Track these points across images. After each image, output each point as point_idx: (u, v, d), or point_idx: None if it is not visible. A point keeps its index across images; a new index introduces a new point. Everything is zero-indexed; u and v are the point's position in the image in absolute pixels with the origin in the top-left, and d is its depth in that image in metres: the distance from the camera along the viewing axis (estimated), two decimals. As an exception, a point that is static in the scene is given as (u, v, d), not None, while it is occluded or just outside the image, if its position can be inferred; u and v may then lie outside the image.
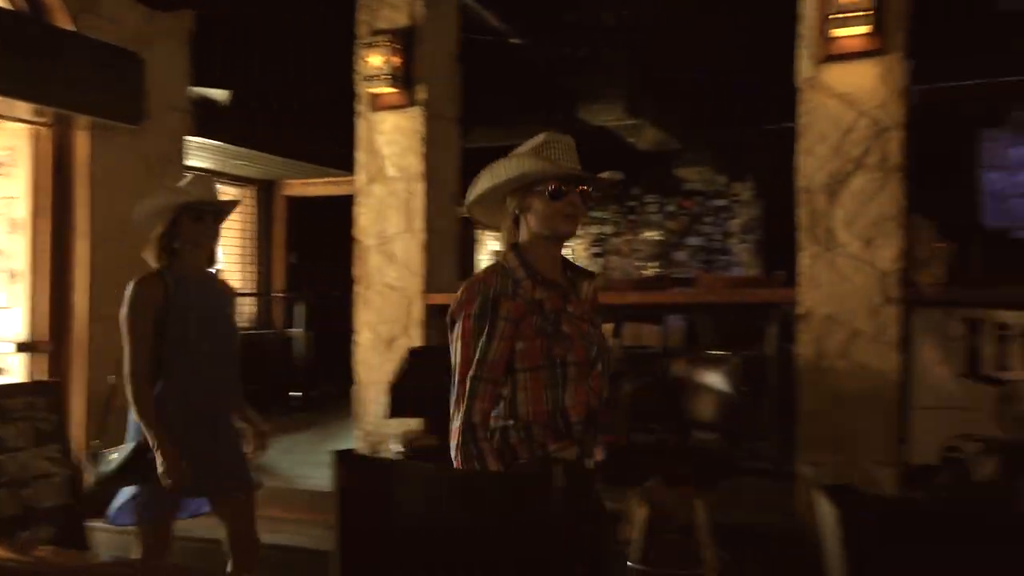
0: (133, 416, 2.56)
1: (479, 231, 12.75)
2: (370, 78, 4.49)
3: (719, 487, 3.14)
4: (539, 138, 1.88)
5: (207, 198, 2.67)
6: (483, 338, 1.78)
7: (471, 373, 1.78)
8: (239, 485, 2.70)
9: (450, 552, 1.30)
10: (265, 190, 8.60)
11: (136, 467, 2.50)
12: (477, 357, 1.77)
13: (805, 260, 3.65)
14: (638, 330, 6.27)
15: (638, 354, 5.57)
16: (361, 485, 1.40)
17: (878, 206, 3.50)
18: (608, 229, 12.58)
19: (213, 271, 2.85)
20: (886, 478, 3.52)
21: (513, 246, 1.90)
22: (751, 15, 6.49)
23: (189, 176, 2.76)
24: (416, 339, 4.46)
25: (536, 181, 1.82)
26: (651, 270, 11.85)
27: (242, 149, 6.92)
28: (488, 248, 12.47)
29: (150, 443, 2.46)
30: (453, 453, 1.77)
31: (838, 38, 3.48)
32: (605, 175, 1.89)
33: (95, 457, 2.59)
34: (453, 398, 1.80)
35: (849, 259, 3.56)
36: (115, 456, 2.55)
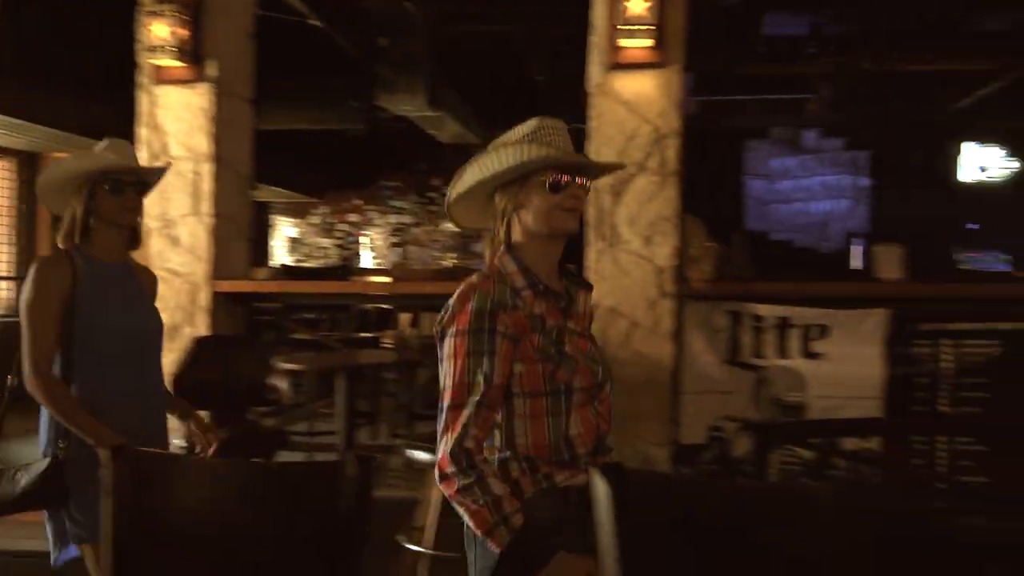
0: (45, 422, 2.18)
1: (274, 216, 12.27)
2: (153, 49, 4.18)
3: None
4: (530, 124, 1.66)
5: (128, 165, 2.28)
6: (481, 358, 1.53)
7: (468, 397, 1.52)
8: None
9: (232, 546, 1.26)
10: (28, 163, 7.78)
11: (54, 487, 2.11)
12: (472, 379, 1.53)
13: (592, 255, 3.87)
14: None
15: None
16: (138, 480, 1.32)
17: (657, 207, 3.78)
18: (408, 219, 12.57)
19: (132, 257, 2.42)
20: (661, 457, 3.82)
21: (507, 247, 1.66)
22: (548, 22, 6.73)
23: (104, 141, 2.33)
24: (202, 328, 4.23)
25: (531, 172, 1.61)
26: (450, 261, 12.00)
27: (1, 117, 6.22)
28: (283, 234, 12.06)
29: (87, 441, 2.08)
30: (442, 484, 1.53)
31: (624, 48, 3.71)
32: (609, 162, 1.74)
33: None
34: (441, 425, 1.56)
35: (630, 255, 3.81)
36: (21, 475, 2.15)
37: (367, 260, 12.18)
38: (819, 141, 13.68)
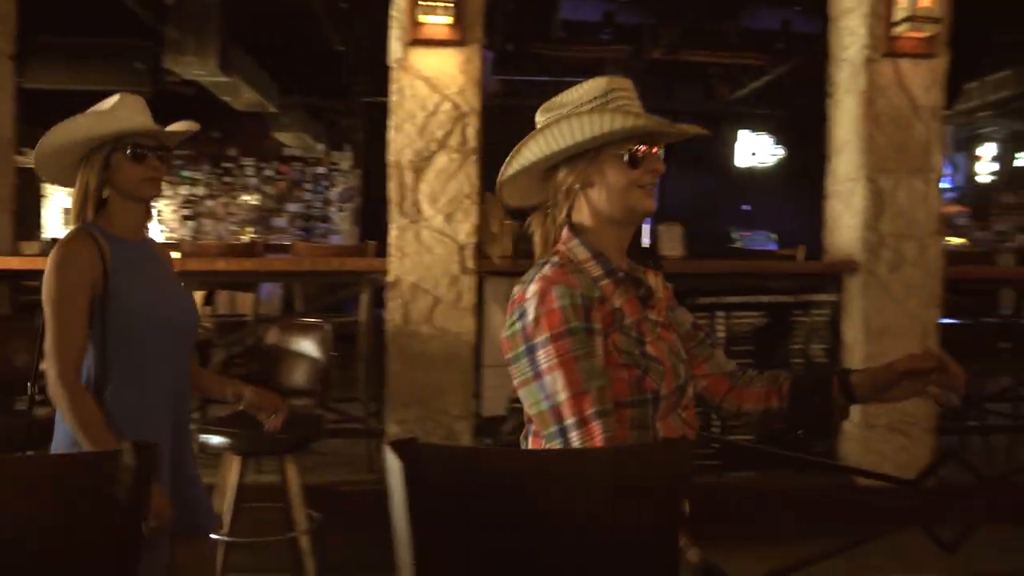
0: (63, 436, 1.83)
1: (46, 185, 11.14)
2: None
3: (310, 450, 3.22)
4: (597, 85, 1.41)
5: (152, 127, 1.91)
6: (589, 361, 1.29)
7: (592, 410, 1.27)
8: (206, 521, 2.08)
9: (6, 541, 1.17)
10: None
11: None
12: (588, 388, 1.28)
13: (394, 231, 3.86)
14: (232, 298, 6.09)
15: (232, 322, 5.41)
16: None
17: (457, 184, 3.84)
18: (201, 191, 11.88)
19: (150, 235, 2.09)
20: (463, 430, 3.91)
21: (571, 229, 1.44)
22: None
23: (115, 97, 1.94)
24: (-42, 310, 3.79)
25: (605, 144, 1.39)
26: (247, 235, 11.48)
27: None
28: (56, 205, 10.97)
29: None
30: None
31: (424, 24, 3.70)
32: (686, 127, 1.45)
33: None
34: (573, 444, 1.28)
35: (432, 232, 3.85)
36: None
37: (155, 234, 11.40)
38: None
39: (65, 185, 2.00)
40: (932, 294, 4.02)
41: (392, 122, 3.83)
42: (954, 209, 14.63)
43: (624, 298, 1.40)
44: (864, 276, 4.00)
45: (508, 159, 1.43)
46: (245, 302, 5.86)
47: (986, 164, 16.01)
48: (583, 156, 1.40)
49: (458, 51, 3.80)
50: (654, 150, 1.41)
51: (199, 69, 7.08)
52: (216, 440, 2.62)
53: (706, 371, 1.57)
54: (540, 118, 1.44)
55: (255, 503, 2.87)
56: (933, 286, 4.02)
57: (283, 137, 10.57)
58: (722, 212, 12.58)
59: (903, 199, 3.98)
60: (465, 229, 3.86)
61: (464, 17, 3.73)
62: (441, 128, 3.82)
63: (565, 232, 1.43)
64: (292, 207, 11.74)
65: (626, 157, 1.39)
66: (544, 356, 1.29)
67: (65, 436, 1.84)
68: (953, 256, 4.80)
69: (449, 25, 3.70)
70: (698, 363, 1.56)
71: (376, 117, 5.34)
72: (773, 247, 11.35)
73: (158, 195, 1.99)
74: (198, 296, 4.97)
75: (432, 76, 3.80)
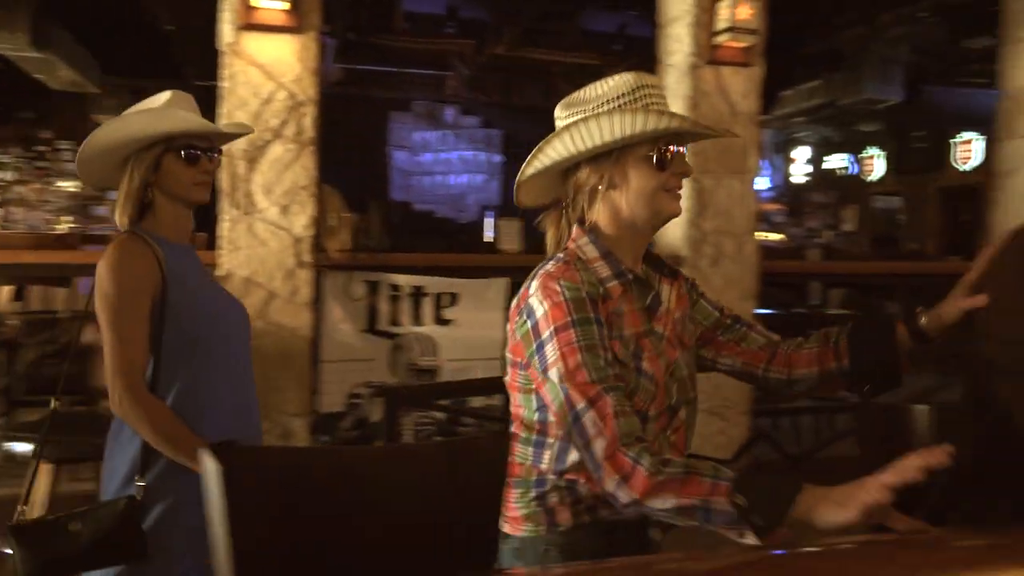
0: (122, 453, 1.71)
1: None
2: None
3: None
4: (624, 81, 1.34)
5: (208, 127, 1.80)
6: (596, 351, 1.23)
7: (600, 388, 1.20)
8: None
9: None
10: None
11: (134, 537, 1.60)
12: (596, 375, 1.21)
13: (226, 224, 3.70)
14: (47, 293, 5.63)
15: (44, 320, 5.00)
16: None
17: (293, 176, 3.73)
18: (9, 175, 10.89)
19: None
20: (300, 427, 3.81)
21: (583, 227, 1.37)
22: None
23: (166, 94, 1.81)
24: None
25: (634, 144, 1.31)
26: (64, 225, 10.64)
27: None
28: None
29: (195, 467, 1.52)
30: (627, 487, 1.13)
31: (258, 9, 3.57)
32: (716, 128, 1.41)
33: (37, 530, 1.62)
34: (583, 436, 1.19)
35: (267, 224, 3.72)
36: (78, 525, 1.61)
37: (-44, 222, 10.34)
38: (458, 117, 14.47)
39: (106, 187, 1.92)
40: (748, 287, 4.33)
41: (223, 109, 3.67)
42: (773, 207, 15.78)
43: (629, 306, 1.32)
44: (688, 270, 4.24)
45: (529, 158, 1.35)
46: (61, 297, 5.43)
47: (800, 166, 17.39)
48: (608, 156, 1.32)
49: (295, 38, 3.68)
50: (680, 150, 1.35)
51: (7, 43, 6.49)
52: (22, 447, 2.43)
53: (739, 350, 1.49)
54: (562, 114, 1.36)
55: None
56: (749, 279, 4.33)
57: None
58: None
59: (723, 198, 4.25)
60: (301, 222, 3.76)
61: (301, 3, 3.63)
62: (276, 117, 3.69)
63: (576, 229, 1.37)
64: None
65: (654, 158, 1.31)
66: (551, 350, 1.23)
67: (124, 463, 1.71)
68: (767, 251, 5.18)
69: (285, 11, 3.59)
70: (730, 346, 1.49)
71: (209, 102, 5.10)
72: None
73: (207, 199, 1.88)
74: (5, 291, 4.56)
75: (267, 63, 3.67)
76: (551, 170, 1.37)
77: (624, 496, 1.12)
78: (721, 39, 4.06)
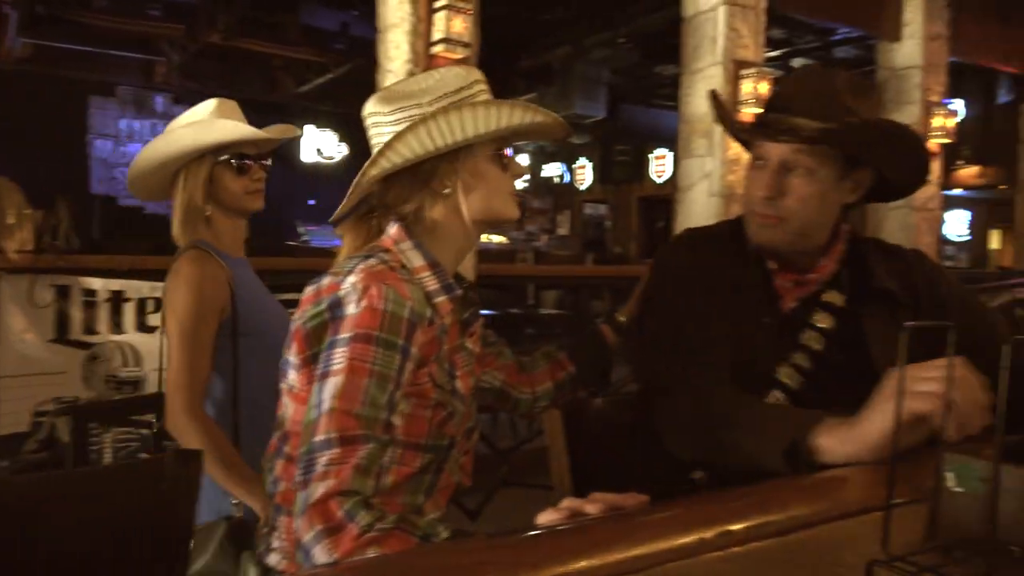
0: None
1: None
2: None
3: None
4: (460, 74, 1.19)
5: (254, 135, 1.75)
6: (386, 384, 1.04)
7: (363, 432, 1.00)
8: None
9: None
10: None
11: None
12: (371, 413, 1.01)
13: None
14: None
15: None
16: None
17: (-42, 166, 3.26)
18: None
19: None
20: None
21: (405, 229, 1.18)
22: None
23: (212, 102, 1.81)
24: None
25: (480, 143, 1.17)
26: None
27: None
28: None
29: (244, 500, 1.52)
30: (326, 541, 0.91)
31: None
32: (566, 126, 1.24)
33: None
34: (310, 471, 0.97)
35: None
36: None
37: None
38: (170, 106, 13.46)
39: (160, 200, 1.89)
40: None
41: None
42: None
43: (452, 319, 1.20)
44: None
45: (376, 156, 1.14)
46: None
47: (520, 172, 18.38)
48: (457, 154, 1.18)
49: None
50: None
51: None
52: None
53: (499, 365, 1.44)
54: (384, 109, 1.18)
55: None
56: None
57: None
58: (290, 207, 12.55)
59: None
60: (-31, 219, 3.29)
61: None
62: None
63: (396, 230, 1.18)
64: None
65: (503, 159, 1.22)
66: (340, 355, 1.03)
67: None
68: (484, 254, 5.43)
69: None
70: (491, 360, 1.43)
71: None
72: (339, 243, 11.61)
73: (262, 207, 1.85)
74: None
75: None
76: (397, 168, 1.17)
77: (321, 553, 0.91)
78: (437, 49, 4.19)
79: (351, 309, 1.05)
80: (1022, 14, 7.43)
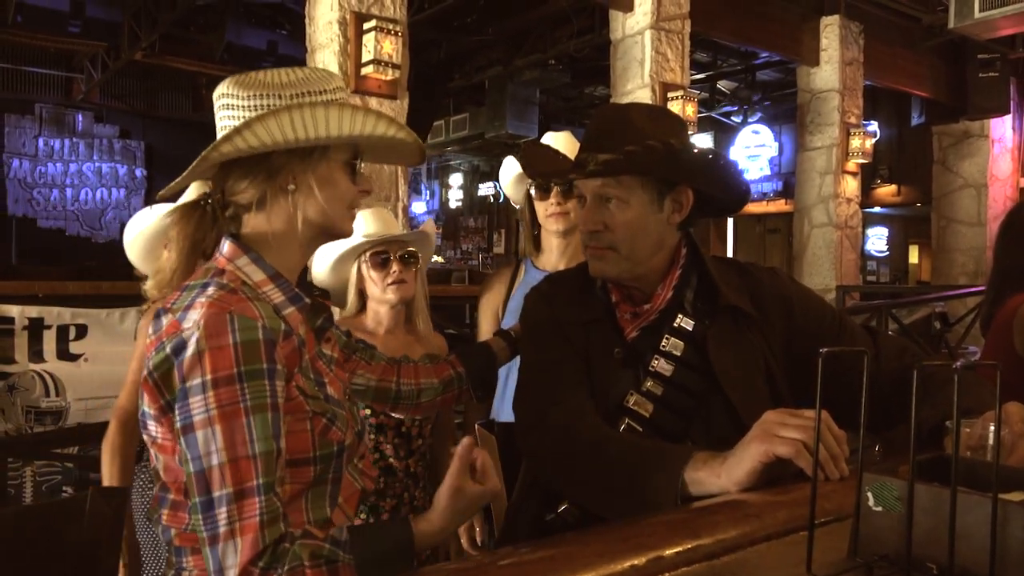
0: None
1: None
2: None
3: None
4: (325, 75, 1.14)
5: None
6: (264, 414, 0.98)
7: (256, 480, 0.96)
8: None
9: None
10: None
11: None
12: (257, 450, 0.97)
13: None
14: None
15: None
16: None
17: None
18: None
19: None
20: None
21: (238, 244, 1.11)
22: None
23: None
24: None
25: (335, 147, 1.13)
26: None
27: None
28: None
29: None
30: None
31: None
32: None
33: None
34: (212, 529, 0.94)
35: None
36: None
37: None
38: (91, 125, 13.06)
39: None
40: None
41: None
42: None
43: (306, 329, 1.16)
44: (342, 295, 4.29)
45: (228, 135, 1.07)
46: None
47: (455, 192, 18.43)
48: (310, 153, 1.12)
49: None
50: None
51: None
52: None
53: (371, 367, 1.45)
54: (240, 93, 1.11)
55: None
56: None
57: None
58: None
59: (374, 225, 4.37)
60: None
61: None
62: None
63: (229, 247, 1.11)
64: None
65: (354, 169, 1.17)
66: (199, 404, 0.97)
67: None
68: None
69: None
70: (364, 365, 1.45)
71: None
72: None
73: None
74: None
75: None
76: (242, 154, 1.10)
77: None
78: (367, 71, 4.18)
79: (194, 350, 0.99)
80: (926, 40, 7.82)
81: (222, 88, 1.14)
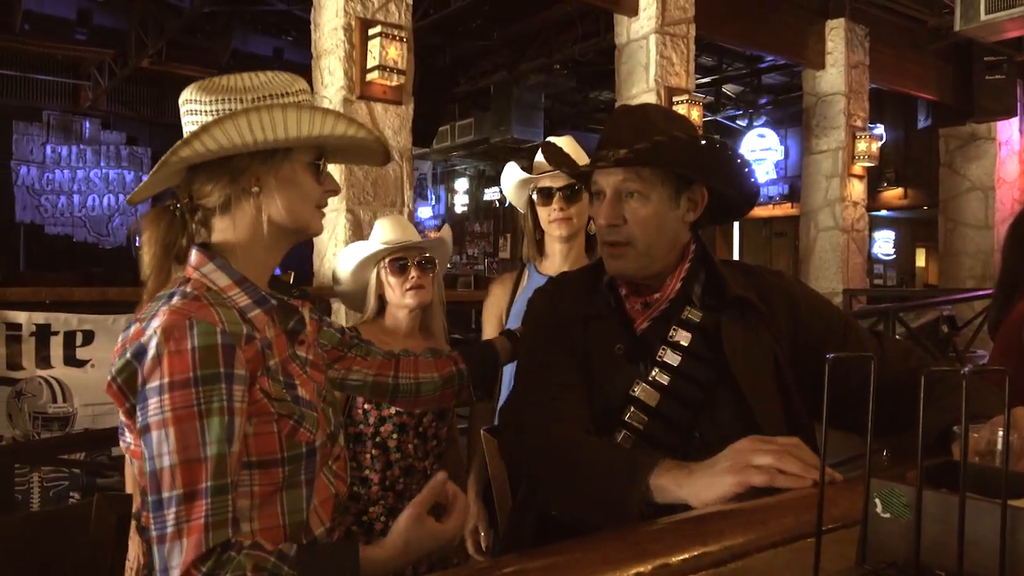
0: None
1: None
2: None
3: None
4: (287, 79, 1.16)
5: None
6: (218, 418, 1.01)
7: (206, 481, 0.99)
8: None
9: None
10: None
11: None
12: (208, 452, 1.00)
13: None
14: None
15: None
16: None
17: None
18: None
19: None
20: None
21: (204, 251, 1.13)
22: None
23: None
24: None
25: (298, 148, 1.16)
26: None
27: None
28: None
29: None
30: None
31: None
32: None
33: None
34: (161, 528, 0.98)
35: None
36: None
37: None
38: (99, 132, 13.12)
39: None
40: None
41: None
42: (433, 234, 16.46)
43: (276, 331, 1.17)
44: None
45: (189, 138, 1.09)
46: None
47: (461, 196, 18.45)
48: (273, 155, 1.14)
49: None
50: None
51: None
52: None
53: (368, 363, 1.48)
54: (204, 98, 1.13)
55: None
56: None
57: None
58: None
59: (379, 230, 4.37)
60: None
61: None
62: None
63: (195, 256, 1.14)
64: None
65: (319, 168, 1.20)
66: (155, 406, 1.01)
67: None
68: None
69: None
70: (359, 361, 1.48)
71: None
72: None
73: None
74: None
75: None
76: (203, 158, 1.13)
77: None
78: (372, 76, 4.19)
79: (153, 354, 1.02)
80: (932, 43, 7.80)
81: (186, 94, 1.16)
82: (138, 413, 1.02)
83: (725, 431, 1.21)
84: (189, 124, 1.14)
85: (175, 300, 1.07)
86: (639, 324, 1.36)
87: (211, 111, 1.12)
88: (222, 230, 1.16)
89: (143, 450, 1.01)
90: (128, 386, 1.04)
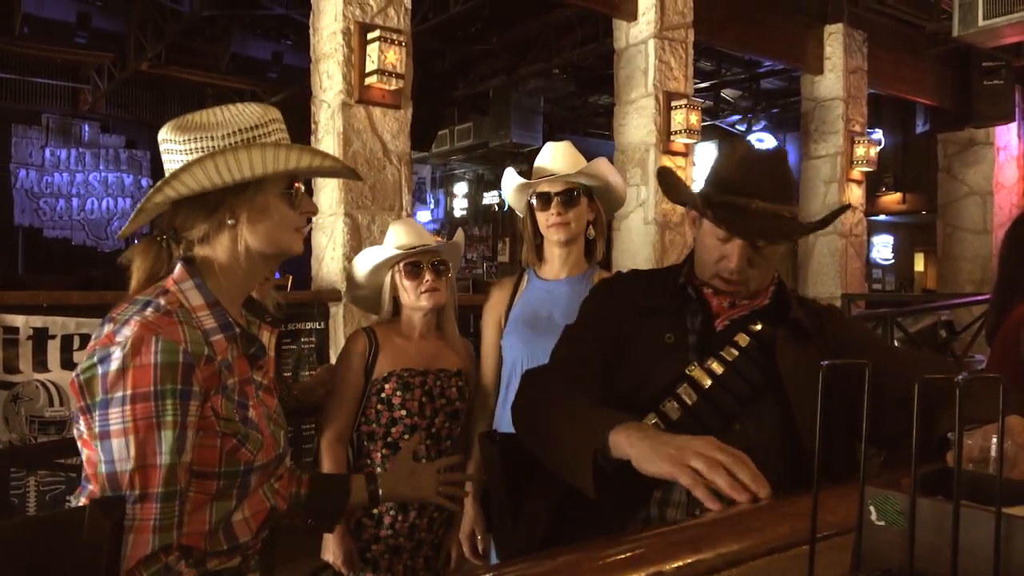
0: None
1: None
2: None
3: None
4: (255, 112, 1.24)
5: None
6: (171, 431, 1.12)
7: (159, 488, 1.11)
8: None
9: None
10: None
11: None
12: (162, 461, 1.11)
13: None
14: None
15: None
16: None
17: None
18: None
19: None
20: None
21: (187, 268, 1.23)
22: None
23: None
24: None
25: (270, 179, 1.24)
26: None
27: None
28: None
29: None
30: None
31: None
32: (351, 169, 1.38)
33: None
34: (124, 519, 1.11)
35: None
36: None
37: None
38: (98, 135, 13.12)
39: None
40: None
41: None
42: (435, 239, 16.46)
43: (237, 353, 1.25)
44: (347, 304, 4.28)
45: (160, 185, 1.18)
46: None
47: (460, 200, 18.45)
48: (245, 188, 1.22)
49: None
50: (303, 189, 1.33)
51: None
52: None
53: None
54: (178, 137, 1.22)
55: None
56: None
57: None
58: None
59: (377, 234, 4.36)
60: None
61: None
62: None
63: (179, 270, 1.23)
64: None
65: (292, 195, 1.27)
66: (117, 416, 1.10)
67: None
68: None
69: None
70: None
71: None
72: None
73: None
74: None
75: None
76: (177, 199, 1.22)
77: None
78: (371, 80, 4.19)
79: (117, 365, 1.10)
80: (930, 48, 7.80)
81: (162, 134, 1.25)
82: (97, 418, 1.11)
83: (765, 430, 1.34)
84: (168, 163, 1.23)
85: (148, 312, 1.15)
86: (721, 321, 1.46)
87: (184, 150, 1.20)
88: (204, 255, 1.26)
89: (100, 454, 1.10)
90: (87, 387, 1.12)
